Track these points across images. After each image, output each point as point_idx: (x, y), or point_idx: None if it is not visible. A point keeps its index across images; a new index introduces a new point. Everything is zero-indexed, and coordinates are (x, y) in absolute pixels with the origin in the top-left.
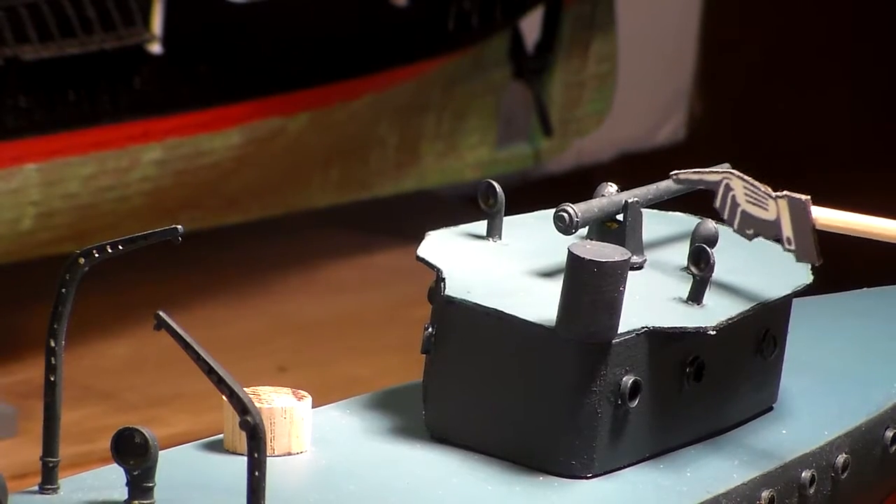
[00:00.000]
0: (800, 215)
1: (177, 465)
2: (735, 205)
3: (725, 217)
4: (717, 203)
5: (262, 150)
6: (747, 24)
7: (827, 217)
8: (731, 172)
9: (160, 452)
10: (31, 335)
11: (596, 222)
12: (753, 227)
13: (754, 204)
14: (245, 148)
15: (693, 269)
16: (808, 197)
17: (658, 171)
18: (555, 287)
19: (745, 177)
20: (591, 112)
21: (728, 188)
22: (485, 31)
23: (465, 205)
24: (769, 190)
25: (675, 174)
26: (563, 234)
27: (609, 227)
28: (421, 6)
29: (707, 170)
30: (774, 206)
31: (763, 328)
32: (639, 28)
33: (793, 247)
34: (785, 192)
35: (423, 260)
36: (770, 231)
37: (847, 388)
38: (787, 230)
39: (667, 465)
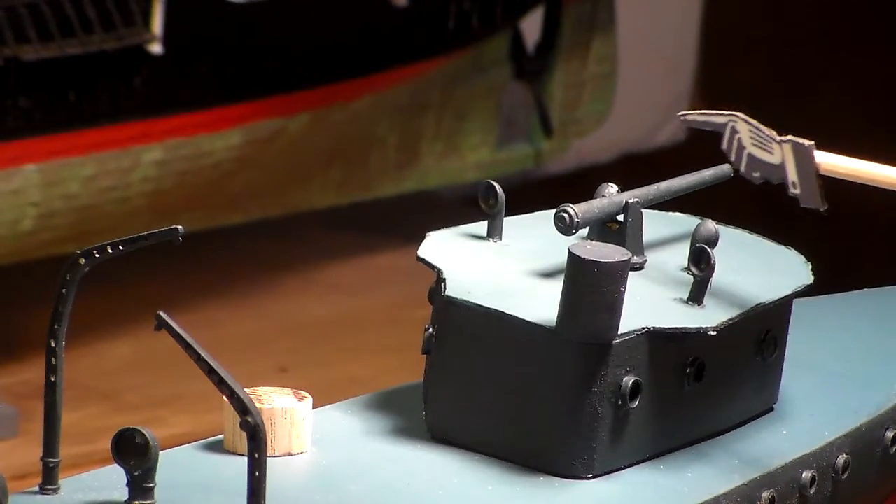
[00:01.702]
0: (804, 160)
1: (177, 465)
2: (741, 147)
3: (732, 159)
4: (724, 145)
5: (262, 151)
6: (748, 24)
7: (831, 162)
8: (736, 115)
9: (160, 453)
10: (32, 335)
11: (596, 223)
12: (760, 170)
13: (760, 147)
14: (245, 148)
15: (693, 269)
16: (812, 142)
17: (658, 172)
18: (555, 287)
19: (751, 120)
20: (592, 113)
21: (734, 131)
22: (485, 31)
23: (466, 205)
24: (774, 134)
25: (683, 115)
26: (564, 234)
27: (610, 228)
28: (421, 6)
29: (713, 111)
30: (779, 149)
31: (764, 329)
32: (639, 28)
33: (798, 191)
34: (789, 137)
35: (423, 260)
36: (775, 174)
37: (847, 388)
38: (791, 174)
39: (667, 466)
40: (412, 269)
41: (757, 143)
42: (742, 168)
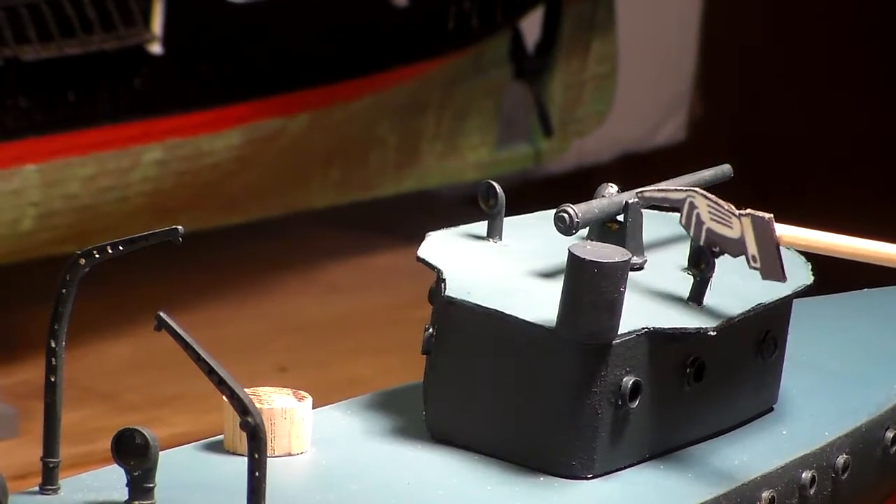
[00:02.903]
0: (764, 233)
1: (177, 465)
2: (700, 223)
3: (691, 234)
4: (683, 221)
5: (262, 151)
6: (747, 25)
7: (791, 234)
8: (694, 190)
9: (160, 453)
10: (32, 336)
11: (596, 223)
12: (719, 245)
13: (719, 222)
14: (245, 148)
15: (693, 269)
16: (771, 215)
17: (658, 172)
18: (555, 288)
19: (709, 195)
20: (592, 112)
21: (692, 206)
22: (485, 31)
23: (466, 205)
24: (732, 208)
25: (641, 191)
26: (564, 234)
27: (610, 228)
28: (421, 6)
29: (671, 188)
30: (738, 224)
31: (763, 329)
32: (639, 28)
33: (758, 265)
34: (748, 211)
35: (423, 261)
36: (735, 249)
37: (847, 388)
38: (751, 248)
39: (667, 466)
40: (412, 269)
41: (716, 217)
42: (701, 243)
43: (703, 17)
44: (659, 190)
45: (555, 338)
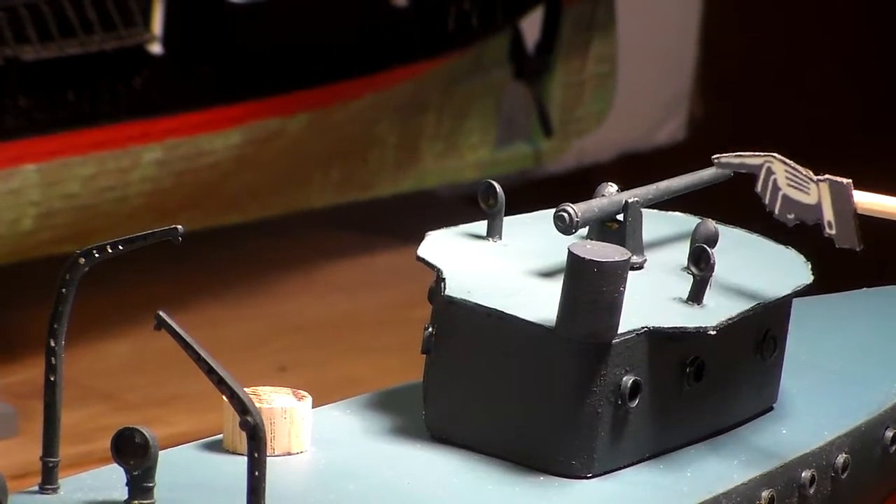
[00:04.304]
0: (841, 199)
1: (177, 465)
2: (776, 189)
3: (766, 201)
4: (759, 187)
5: (261, 151)
6: (747, 25)
7: (869, 201)
8: (772, 156)
9: (160, 452)
10: (32, 335)
11: (596, 222)
12: (794, 212)
13: (795, 188)
14: (245, 148)
15: (693, 269)
16: (850, 180)
17: (658, 172)
18: (555, 287)
19: (787, 160)
20: (592, 112)
21: (770, 172)
22: (485, 31)
23: (466, 205)
24: (811, 173)
25: (717, 157)
26: (564, 234)
27: (609, 227)
28: (421, 6)
29: (749, 153)
30: (816, 189)
31: (763, 328)
32: (639, 29)
33: (833, 231)
34: (826, 176)
35: (423, 260)
36: (811, 215)
37: (847, 388)
38: (828, 214)
39: (667, 466)
40: (412, 269)
41: (793, 183)
42: (776, 210)
43: (703, 17)
44: (736, 156)
45: (554, 337)
